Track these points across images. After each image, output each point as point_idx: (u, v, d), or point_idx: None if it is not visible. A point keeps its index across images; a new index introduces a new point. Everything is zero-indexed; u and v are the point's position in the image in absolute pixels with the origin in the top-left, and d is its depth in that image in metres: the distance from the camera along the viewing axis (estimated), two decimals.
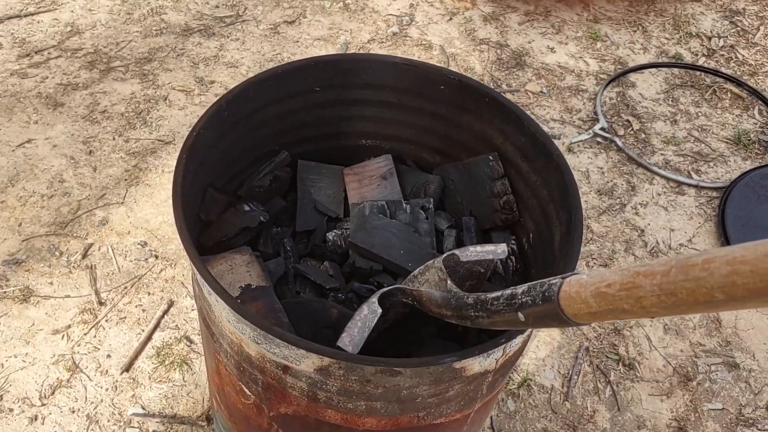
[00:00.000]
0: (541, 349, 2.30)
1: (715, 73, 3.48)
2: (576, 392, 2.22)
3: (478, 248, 1.26)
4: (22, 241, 2.39)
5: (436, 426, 1.30)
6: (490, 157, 1.59)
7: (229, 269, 1.43)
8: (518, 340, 1.24)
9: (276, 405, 1.29)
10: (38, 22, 3.25)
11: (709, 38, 3.71)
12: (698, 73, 3.49)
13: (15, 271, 2.31)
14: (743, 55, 3.62)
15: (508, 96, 3.20)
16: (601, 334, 2.37)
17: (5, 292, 2.25)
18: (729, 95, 3.39)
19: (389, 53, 3.33)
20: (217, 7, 3.47)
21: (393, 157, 1.73)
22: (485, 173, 1.60)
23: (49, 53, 3.10)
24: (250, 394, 1.34)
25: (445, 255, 1.24)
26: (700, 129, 3.20)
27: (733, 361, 2.35)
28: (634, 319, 2.40)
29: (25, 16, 3.28)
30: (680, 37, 3.69)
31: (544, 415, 2.15)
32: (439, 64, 3.22)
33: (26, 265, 2.32)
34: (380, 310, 1.23)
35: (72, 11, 3.34)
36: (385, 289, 1.28)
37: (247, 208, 1.56)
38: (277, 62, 3.19)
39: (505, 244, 1.29)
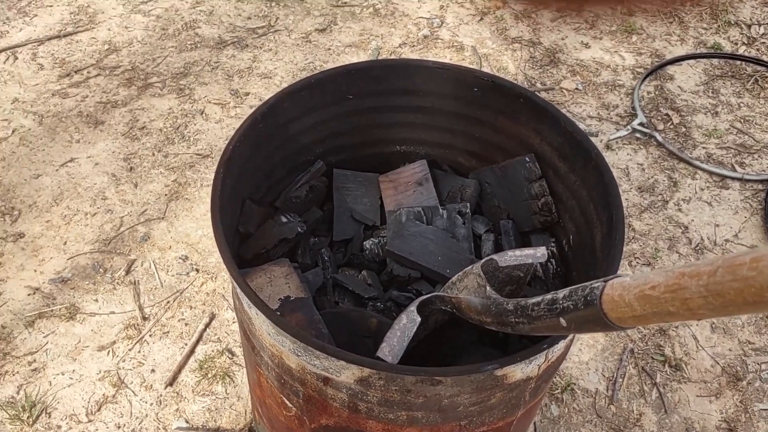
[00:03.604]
0: (584, 353, 2.26)
1: (757, 61, 3.40)
2: (621, 395, 2.17)
3: (517, 252, 1.24)
4: (68, 259, 2.43)
5: None
6: (527, 159, 1.57)
7: (268, 281, 1.43)
8: (561, 346, 1.22)
9: (317, 417, 1.29)
10: (77, 42, 3.32)
11: (749, 26, 3.62)
12: (738, 62, 3.41)
13: (61, 289, 2.35)
14: None
15: (543, 95, 3.17)
16: (645, 335, 2.32)
17: (52, 311, 2.29)
18: None
19: (421, 57, 3.32)
20: (249, 18, 3.51)
21: (428, 163, 1.72)
22: (522, 175, 1.58)
23: (88, 72, 3.16)
24: (291, 406, 1.34)
25: (483, 260, 1.23)
26: (742, 120, 3.12)
27: None
28: (678, 322, 2.35)
29: (64, 36, 3.35)
30: (718, 26, 3.60)
31: (589, 420, 2.11)
32: (471, 66, 3.20)
33: (72, 283, 2.37)
34: (419, 319, 1.22)
35: (109, 29, 3.40)
36: (424, 297, 1.27)
37: (284, 219, 1.56)
38: (309, 71, 3.21)
39: (544, 247, 1.27)
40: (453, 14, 3.61)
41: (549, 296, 0.97)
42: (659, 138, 2.98)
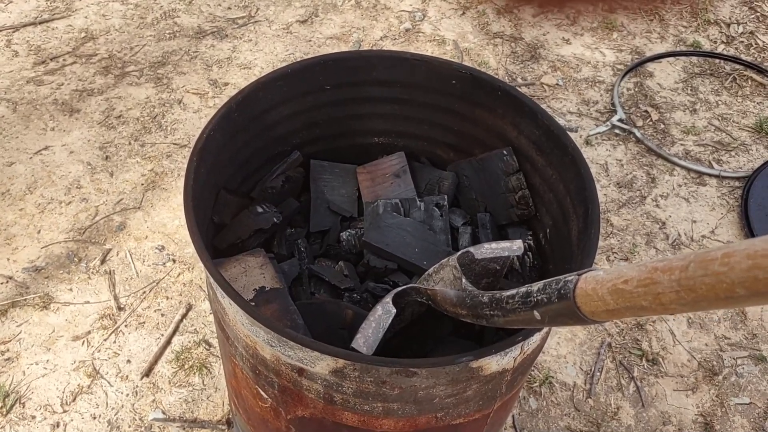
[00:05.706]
0: (563, 346, 2.27)
1: (735, 60, 3.42)
2: (599, 389, 2.18)
3: (493, 245, 1.24)
4: (42, 248, 2.40)
5: (455, 426, 1.28)
6: (505, 152, 1.57)
7: (243, 272, 1.42)
8: (536, 338, 1.22)
9: (293, 408, 1.28)
10: (53, 29, 3.27)
11: (728, 25, 3.64)
12: (717, 60, 3.44)
13: (35, 278, 2.32)
14: (764, 42, 3.55)
15: (524, 89, 3.17)
16: (623, 329, 2.33)
17: (26, 300, 2.26)
18: (750, 82, 3.32)
19: (402, 50, 3.30)
20: (229, 8, 3.47)
21: (406, 155, 1.72)
22: (500, 168, 1.58)
23: (64, 60, 3.12)
24: (266, 397, 1.33)
25: (459, 253, 1.22)
26: (720, 118, 3.15)
27: (760, 354, 2.30)
28: (653, 316, 2.36)
29: (40, 23, 3.30)
30: (698, 24, 3.63)
31: (567, 413, 2.12)
32: (451, 59, 3.19)
33: (46, 272, 2.33)
34: (395, 310, 1.21)
35: (86, 17, 3.35)
36: (399, 289, 1.26)
37: (260, 209, 1.55)
38: (289, 62, 3.18)
39: (521, 240, 1.27)
40: (435, 8, 3.60)
41: (523, 289, 0.96)
42: (638, 134, 2.99)
